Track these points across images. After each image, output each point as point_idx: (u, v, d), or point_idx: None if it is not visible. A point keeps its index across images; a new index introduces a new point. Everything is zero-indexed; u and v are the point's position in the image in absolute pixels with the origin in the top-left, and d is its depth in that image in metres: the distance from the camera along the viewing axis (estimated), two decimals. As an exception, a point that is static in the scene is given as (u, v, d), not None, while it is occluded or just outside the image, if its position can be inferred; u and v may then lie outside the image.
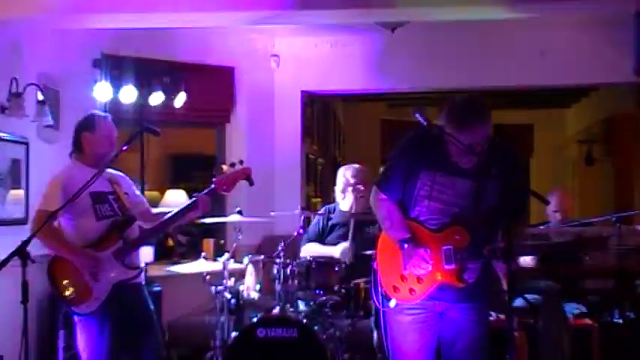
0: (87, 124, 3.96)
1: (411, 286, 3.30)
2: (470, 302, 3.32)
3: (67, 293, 3.77)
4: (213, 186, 3.90)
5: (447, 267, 3.24)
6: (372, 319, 4.58)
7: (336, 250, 4.95)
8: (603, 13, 5.56)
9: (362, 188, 5.06)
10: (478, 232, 3.24)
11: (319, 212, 5.44)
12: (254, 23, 5.16)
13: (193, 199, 3.94)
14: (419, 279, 3.28)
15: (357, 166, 5.30)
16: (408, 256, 3.26)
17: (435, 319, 3.35)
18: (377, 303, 3.46)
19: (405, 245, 3.26)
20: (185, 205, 3.96)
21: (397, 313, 3.36)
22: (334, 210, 5.30)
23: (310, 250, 5.10)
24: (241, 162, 3.94)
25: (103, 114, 4.09)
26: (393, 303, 3.35)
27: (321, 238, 5.20)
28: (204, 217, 4.13)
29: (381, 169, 3.61)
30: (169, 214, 3.99)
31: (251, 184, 3.95)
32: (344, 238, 5.06)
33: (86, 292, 3.76)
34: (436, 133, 3.21)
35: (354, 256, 4.85)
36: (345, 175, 5.20)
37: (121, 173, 4.16)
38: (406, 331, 3.34)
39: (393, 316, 3.39)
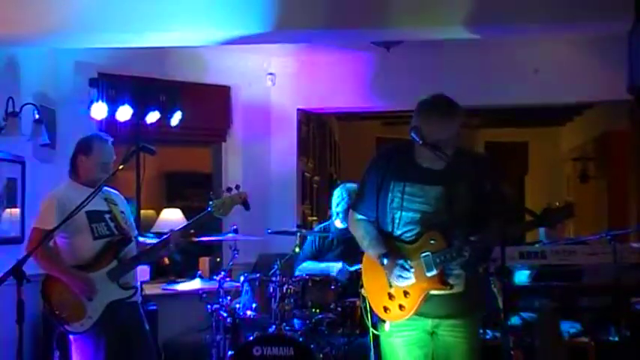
0: (84, 147, 3.94)
1: (400, 303, 3.30)
2: (459, 318, 3.31)
3: (60, 311, 3.76)
4: (209, 209, 3.92)
5: (429, 274, 3.23)
6: (369, 337, 4.57)
7: (332, 268, 4.95)
8: (597, 31, 5.59)
9: None
10: (454, 234, 3.23)
11: (315, 230, 5.44)
12: (249, 42, 5.17)
13: (166, 235, 3.96)
14: (405, 293, 3.28)
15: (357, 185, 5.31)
16: (389, 270, 3.27)
17: (426, 340, 3.35)
18: (371, 328, 3.48)
19: (385, 260, 3.27)
20: (157, 241, 3.98)
21: (389, 335, 3.37)
22: (330, 228, 5.30)
23: (307, 268, 5.09)
24: (237, 187, 3.96)
25: (104, 138, 4.02)
26: (386, 326, 3.35)
27: (317, 256, 5.20)
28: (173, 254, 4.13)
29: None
30: (143, 250, 4.02)
31: (247, 208, 3.98)
32: (340, 256, 5.05)
33: (79, 311, 3.75)
34: (405, 143, 3.29)
35: (349, 277, 4.86)
36: (350, 194, 5.20)
37: (116, 192, 4.16)
38: (399, 352, 3.35)
39: (385, 339, 3.40)
